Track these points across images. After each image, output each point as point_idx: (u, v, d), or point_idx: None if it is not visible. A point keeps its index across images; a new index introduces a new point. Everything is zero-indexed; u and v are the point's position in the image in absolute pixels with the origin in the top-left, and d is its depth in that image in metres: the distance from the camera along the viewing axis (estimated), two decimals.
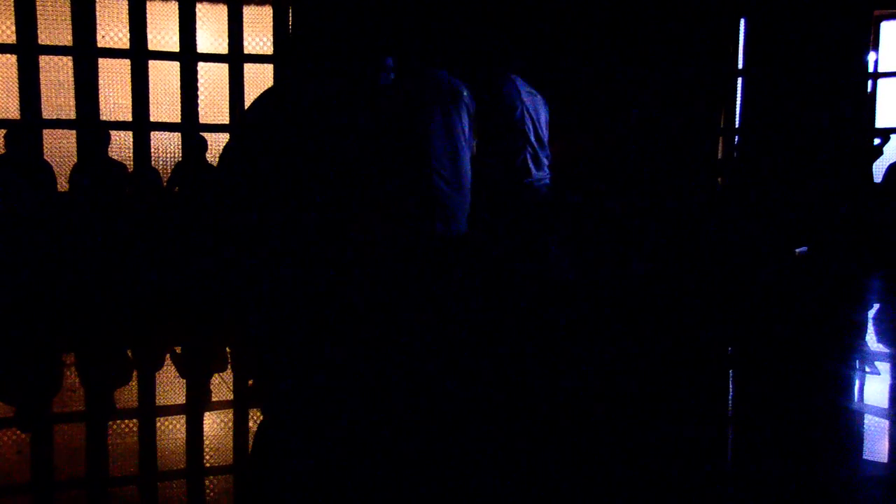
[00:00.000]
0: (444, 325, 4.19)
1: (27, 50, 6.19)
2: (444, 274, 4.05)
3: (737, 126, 7.80)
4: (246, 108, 4.74)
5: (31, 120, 6.21)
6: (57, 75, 6.33)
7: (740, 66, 7.72)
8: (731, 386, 4.46)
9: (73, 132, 6.40)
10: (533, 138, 4.42)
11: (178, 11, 6.61)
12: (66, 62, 6.38)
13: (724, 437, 3.60)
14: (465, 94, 4.07)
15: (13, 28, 6.18)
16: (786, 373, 4.35)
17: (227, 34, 6.78)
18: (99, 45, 6.42)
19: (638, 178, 7.14)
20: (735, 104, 7.75)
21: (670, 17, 7.30)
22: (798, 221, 7.47)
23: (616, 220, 6.88)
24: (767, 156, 7.63)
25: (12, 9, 6.13)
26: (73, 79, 6.38)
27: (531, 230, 4.50)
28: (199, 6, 6.68)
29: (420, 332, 4.11)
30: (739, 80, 7.75)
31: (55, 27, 6.27)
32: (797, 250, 7.58)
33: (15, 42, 6.19)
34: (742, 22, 7.61)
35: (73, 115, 6.38)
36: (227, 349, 4.96)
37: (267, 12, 6.86)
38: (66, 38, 6.33)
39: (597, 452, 3.26)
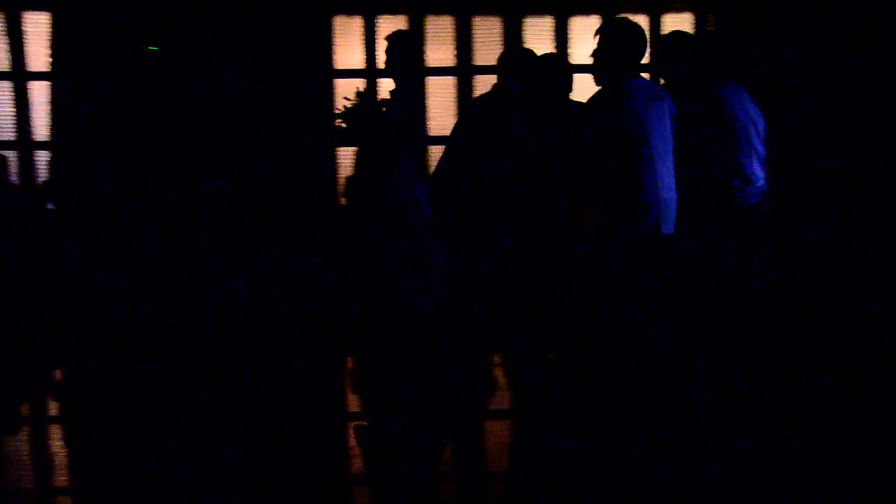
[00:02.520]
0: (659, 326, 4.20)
1: (465, 71, 6.92)
2: (661, 273, 4.17)
3: None
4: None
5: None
6: None
7: None
8: None
9: None
10: (756, 144, 4.56)
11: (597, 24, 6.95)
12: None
13: None
14: (668, 98, 4.29)
15: (453, 53, 6.94)
16: None
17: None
18: None
19: None
20: None
21: None
22: None
23: None
24: None
25: (453, 37, 6.90)
26: None
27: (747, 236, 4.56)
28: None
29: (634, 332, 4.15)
30: None
31: (488, 49, 6.91)
32: None
33: (455, 64, 6.94)
34: None
35: None
36: None
37: (687, 19, 6.97)
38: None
39: None
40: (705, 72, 4.70)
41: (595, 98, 4.31)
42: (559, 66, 5.25)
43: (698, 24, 6.93)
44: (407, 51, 5.40)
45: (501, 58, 5.88)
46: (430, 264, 5.04)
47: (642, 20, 6.91)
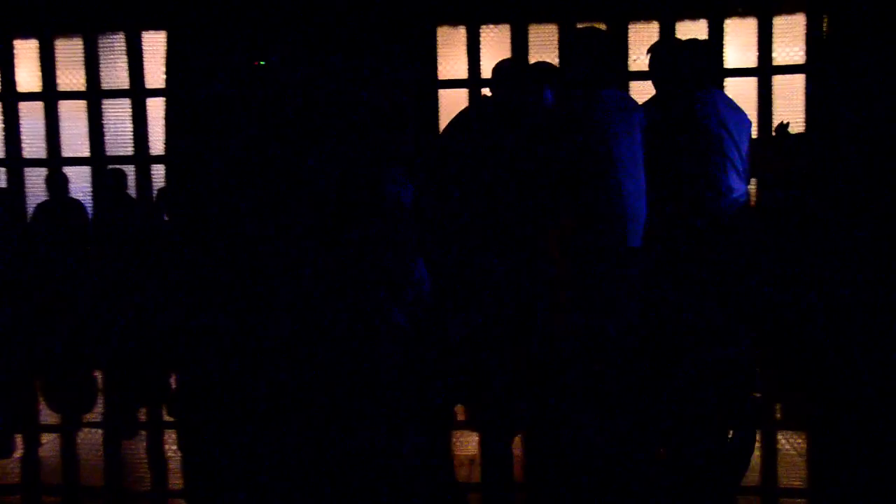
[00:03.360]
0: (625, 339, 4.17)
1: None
2: (626, 286, 4.11)
3: None
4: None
5: None
6: None
7: None
8: None
9: None
10: (731, 154, 4.31)
11: (706, 28, 6.82)
12: None
13: None
14: (635, 107, 4.18)
15: (557, 62, 6.89)
16: None
17: (755, 46, 6.83)
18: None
19: None
20: None
21: None
22: None
23: None
24: None
25: (556, 45, 6.88)
26: None
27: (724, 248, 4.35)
28: (726, 21, 6.83)
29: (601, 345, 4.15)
30: None
31: None
32: None
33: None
34: None
35: None
36: None
37: (799, 21, 6.76)
38: None
39: None
40: (680, 79, 4.42)
41: (560, 110, 4.26)
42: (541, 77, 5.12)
43: (811, 26, 6.73)
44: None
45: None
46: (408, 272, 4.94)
47: (751, 23, 6.78)
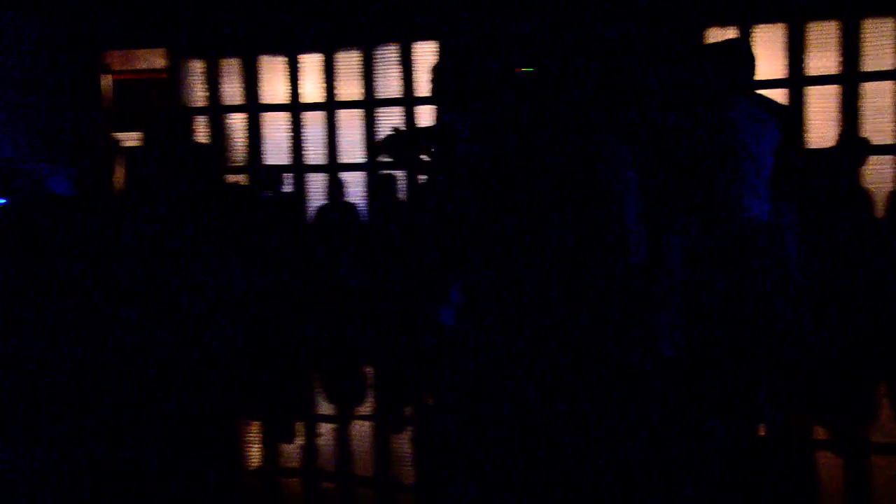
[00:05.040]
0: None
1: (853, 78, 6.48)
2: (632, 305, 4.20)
3: None
4: None
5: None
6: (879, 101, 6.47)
7: None
8: None
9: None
10: (747, 169, 3.95)
11: None
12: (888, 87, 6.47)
13: None
14: (636, 124, 4.25)
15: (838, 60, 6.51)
16: None
17: None
18: None
19: None
20: None
21: None
22: None
23: None
24: None
25: (838, 42, 6.48)
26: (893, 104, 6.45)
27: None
28: None
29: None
30: None
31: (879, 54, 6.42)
32: None
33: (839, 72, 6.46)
34: None
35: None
36: None
37: None
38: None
39: None
40: (704, 89, 4.12)
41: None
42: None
43: None
44: (449, 76, 5.16)
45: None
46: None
47: None
